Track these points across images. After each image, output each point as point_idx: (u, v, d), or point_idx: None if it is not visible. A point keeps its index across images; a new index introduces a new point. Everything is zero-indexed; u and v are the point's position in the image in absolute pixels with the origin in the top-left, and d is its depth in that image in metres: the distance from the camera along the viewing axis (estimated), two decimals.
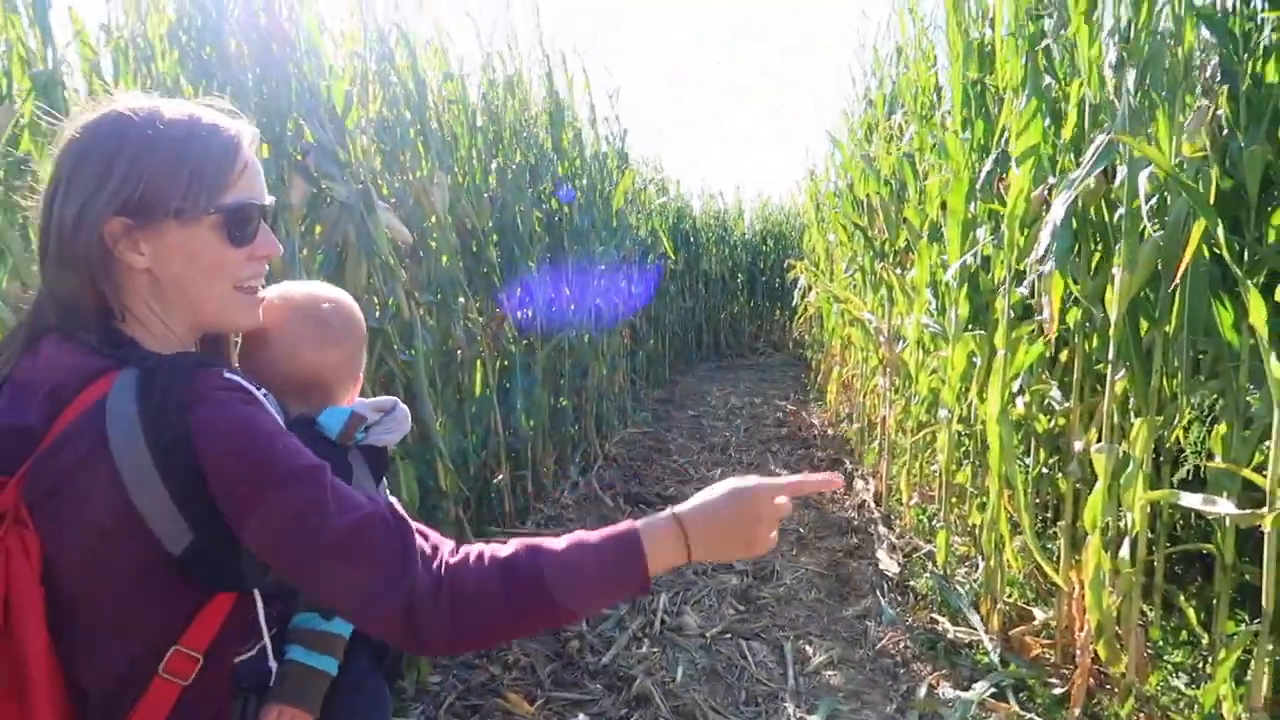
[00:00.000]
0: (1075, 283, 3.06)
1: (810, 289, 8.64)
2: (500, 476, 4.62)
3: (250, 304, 1.11)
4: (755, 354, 13.65)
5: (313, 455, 1.01)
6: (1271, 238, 2.52)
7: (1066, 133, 3.01)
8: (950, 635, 3.42)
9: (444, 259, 3.69)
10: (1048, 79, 3.14)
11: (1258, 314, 2.36)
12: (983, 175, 3.57)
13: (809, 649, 3.45)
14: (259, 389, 1.05)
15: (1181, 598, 3.11)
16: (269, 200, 1.12)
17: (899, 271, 4.92)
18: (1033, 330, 3.24)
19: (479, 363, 4.34)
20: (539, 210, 5.47)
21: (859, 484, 5.63)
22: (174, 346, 1.06)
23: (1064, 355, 3.50)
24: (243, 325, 1.13)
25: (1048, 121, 3.04)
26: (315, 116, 2.73)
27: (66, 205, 1.00)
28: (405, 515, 1.03)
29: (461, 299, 3.97)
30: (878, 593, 3.91)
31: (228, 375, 1.01)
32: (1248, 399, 2.66)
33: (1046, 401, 3.48)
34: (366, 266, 2.96)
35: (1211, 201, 2.50)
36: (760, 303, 14.87)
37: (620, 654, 3.37)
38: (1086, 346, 3.17)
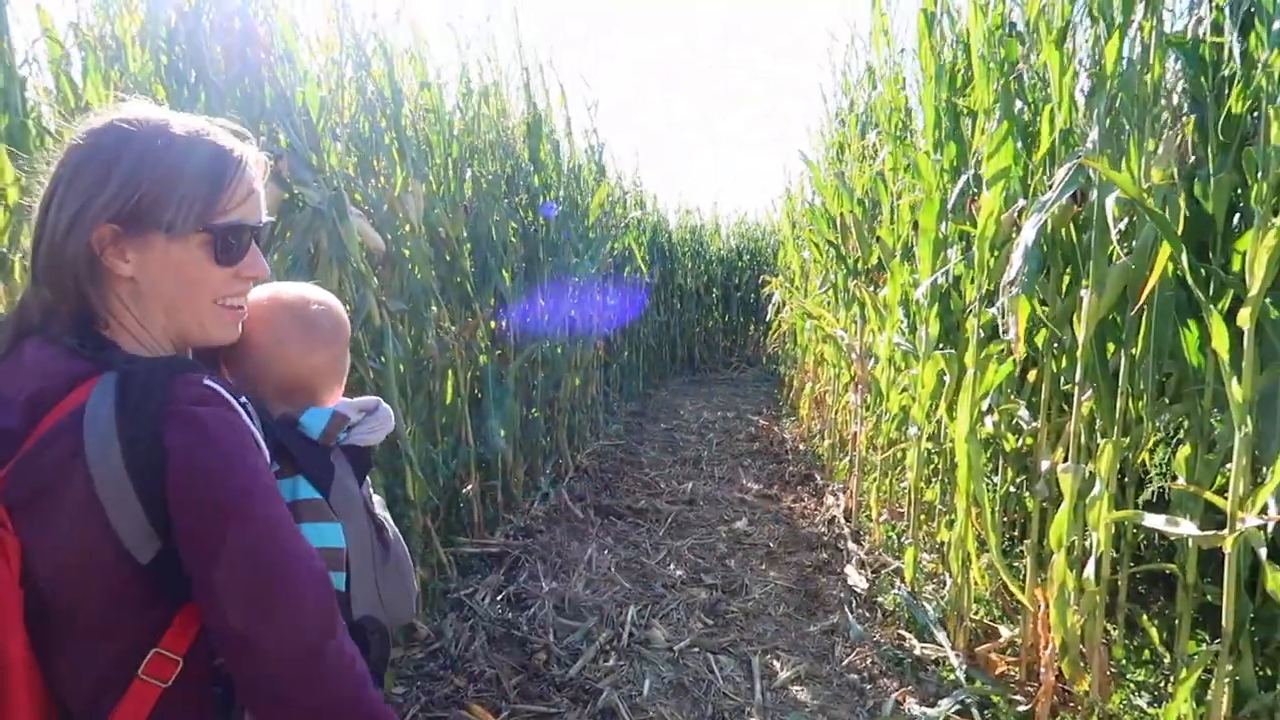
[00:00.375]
0: (1044, 304, 3.10)
1: (784, 305, 8.68)
2: (469, 486, 4.59)
3: (229, 320, 1.13)
4: (729, 369, 13.68)
5: (276, 502, 1.02)
6: (1236, 265, 2.57)
7: (1037, 156, 3.05)
8: (917, 652, 3.43)
9: (416, 267, 3.67)
10: (1019, 103, 3.18)
11: (1220, 339, 2.40)
12: (954, 196, 3.61)
13: (776, 664, 3.45)
14: (239, 396, 1.05)
15: (1145, 617, 3.14)
16: (264, 221, 1.13)
17: (871, 289, 4.95)
18: (1002, 350, 3.27)
19: (450, 372, 4.31)
20: (514, 221, 5.46)
21: (829, 500, 5.64)
22: (156, 352, 1.07)
23: (1032, 375, 3.53)
24: (219, 340, 1.14)
25: (1020, 145, 3.07)
26: (289, 121, 2.71)
27: (62, 209, 1.01)
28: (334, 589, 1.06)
29: (434, 308, 3.95)
30: (846, 609, 3.91)
31: (207, 383, 1.02)
32: (1211, 422, 2.70)
33: (1015, 421, 3.51)
34: (338, 273, 2.94)
35: (1179, 228, 2.54)
36: (735, 318, 14.91)
37: (587, 667, 3.35)
38: (1054, 367, 3.21)
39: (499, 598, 3.94)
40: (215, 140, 1.07)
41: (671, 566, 4.53)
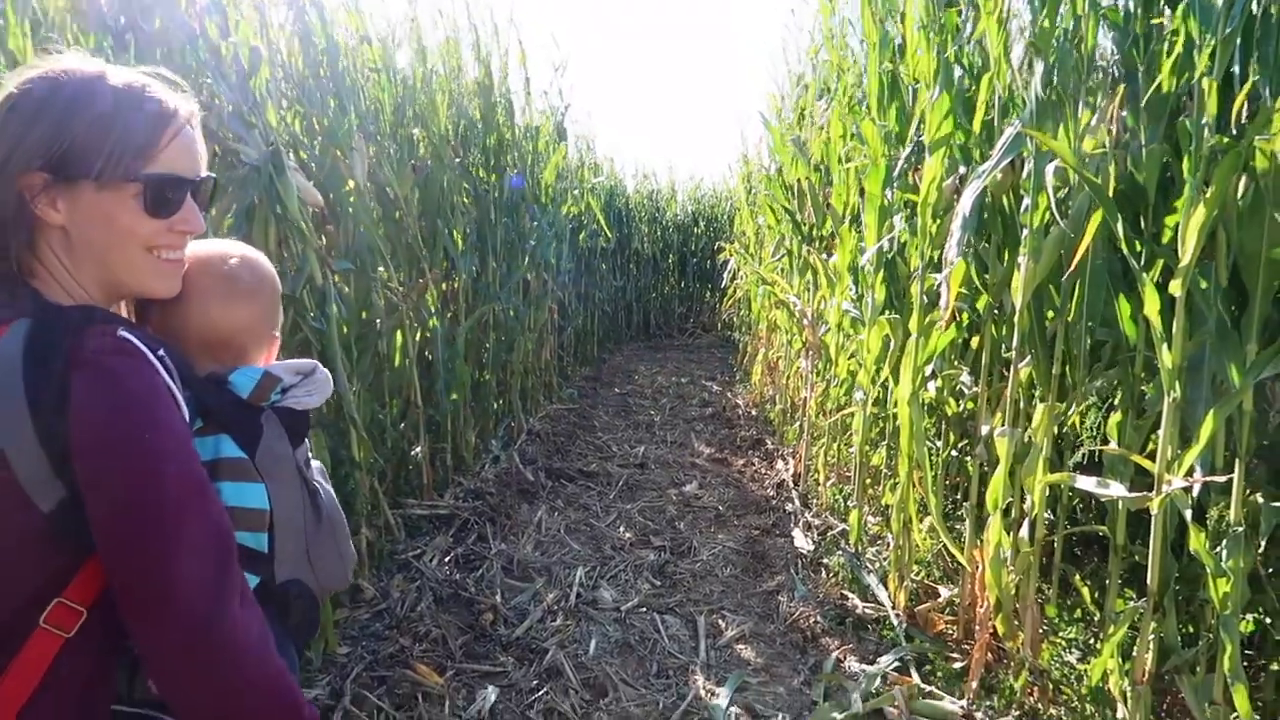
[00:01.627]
0: (984, 271, 3.14)
1: (739, 271, 8.71)
2: (418, 449, 4.57)
3: (168, 272, 1.12)
4: (684, 335, 13.74)
5: (184, 456, 1.01)
6: (1167, 236, 2.62)
7: (976, 124, 3.08)
8: (859, 611, 3.51)
9: (362, 226, 3.61)
10: (959, 71, 3.21)
11: (1152, 307, 2.46)
12: (900, 163, 3.63)
13: (722, 623, 3.51)
14: (157, 349, 1.04)
15: (1078, 577, 3.24)
16: (202, 175, 1.13)
17: (824, 256, 4.99)
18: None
19: (398, 333, 4.27)
20: (467, 181, 5.40)
21: (779, 464, 5.72)
22: (83, 303, 1.06)
23: (975, 342, 3.59)
24: (157, 293, 1.13)
25: (960, 114, 3.10)
26: (221, 75, 2.64)
27: None
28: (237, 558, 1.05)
29: (381, 268, 3.90)
30: (791, 569, 3.98)
31: (121, 333, 1.01)
32: (1142, 388, 2.78)
33: (957, 386, 3.58)
34: (276, 231, 2.88)
35: (1112, 197, 2.59)
36: (691, 284, 14.94)
37: (534, 627, 3.38)
38: (995, 333, 3.26)
39: (447, 559, 3.95)
40: (150, 91, 1.07)
41: (621, 529, 4.57)
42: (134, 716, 1.07)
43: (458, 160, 5.25)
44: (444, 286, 5.09)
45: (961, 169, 3.17)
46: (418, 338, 4.58)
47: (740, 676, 3.06)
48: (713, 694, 2.96)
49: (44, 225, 1.03)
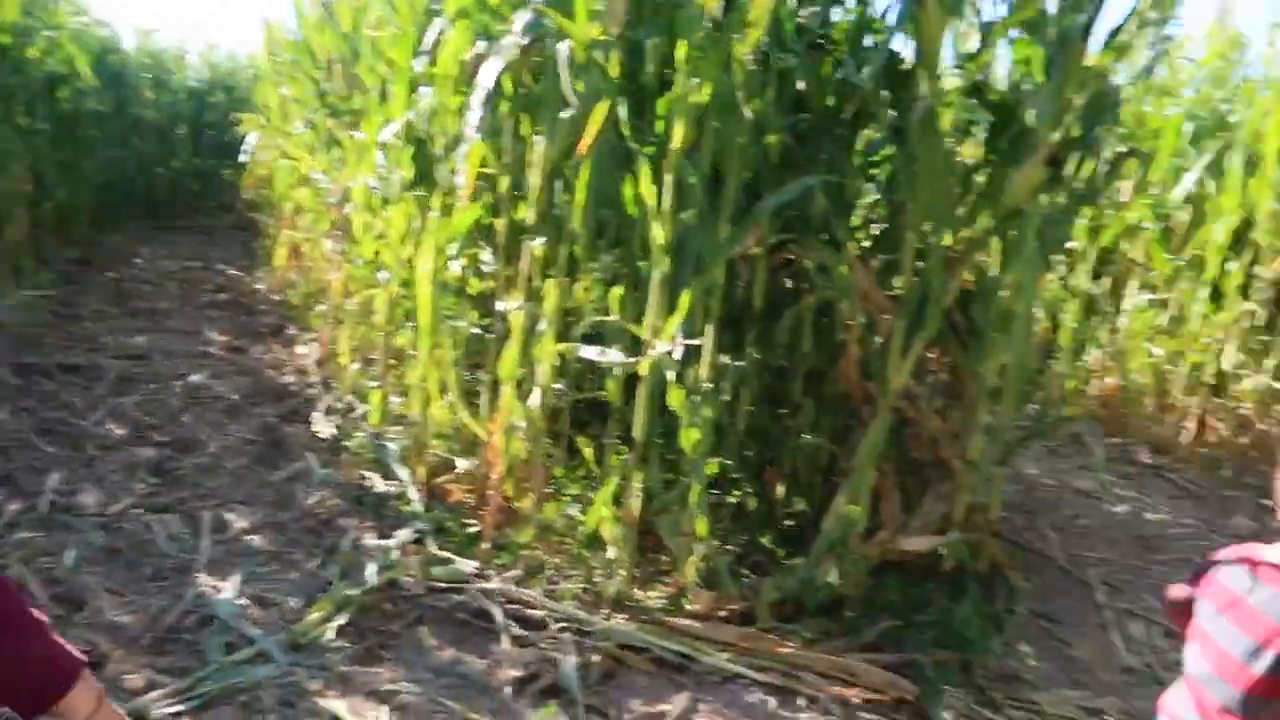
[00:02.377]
0: (503, 151, 3.19)
1: (260, 146, 7.98)
2: None
3: None
4: (200, 214, 12.34)
5: None
6: (660, 126, 2.85)
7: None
8: (379, 490, 3.49)
9: None
10: None
11: (647, 185, 2.68)
12: (432, 36, 3.51)
13: (231, 516, 3.26)
14: None
15: (582, 440, 3.52)
16: None
17: (354, 133, 4.72)
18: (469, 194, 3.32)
19: None
20: None
21: (300, 349, 5.44)
22: None
23: (499, 222, 3.66)
24: None
25: None
26: None
27: None
28: None
29: None
30: (309, 456, 3.82)
31: None
32: (639, 264, 3.04)
33: (479, 265, 3.63)
34: None
35: (618, 83, 2.74)
36: (206, 160, 13.38)
37: None
38: (514, 213, 3.34)
39: None
40: None
41: (110, 426, 4.02)
42: None
43: None
44: None
45: (482, 44, 3.14)
46: None
47: (249, 567, 2.89)
48: (217, 589, 2.75)
49: None
